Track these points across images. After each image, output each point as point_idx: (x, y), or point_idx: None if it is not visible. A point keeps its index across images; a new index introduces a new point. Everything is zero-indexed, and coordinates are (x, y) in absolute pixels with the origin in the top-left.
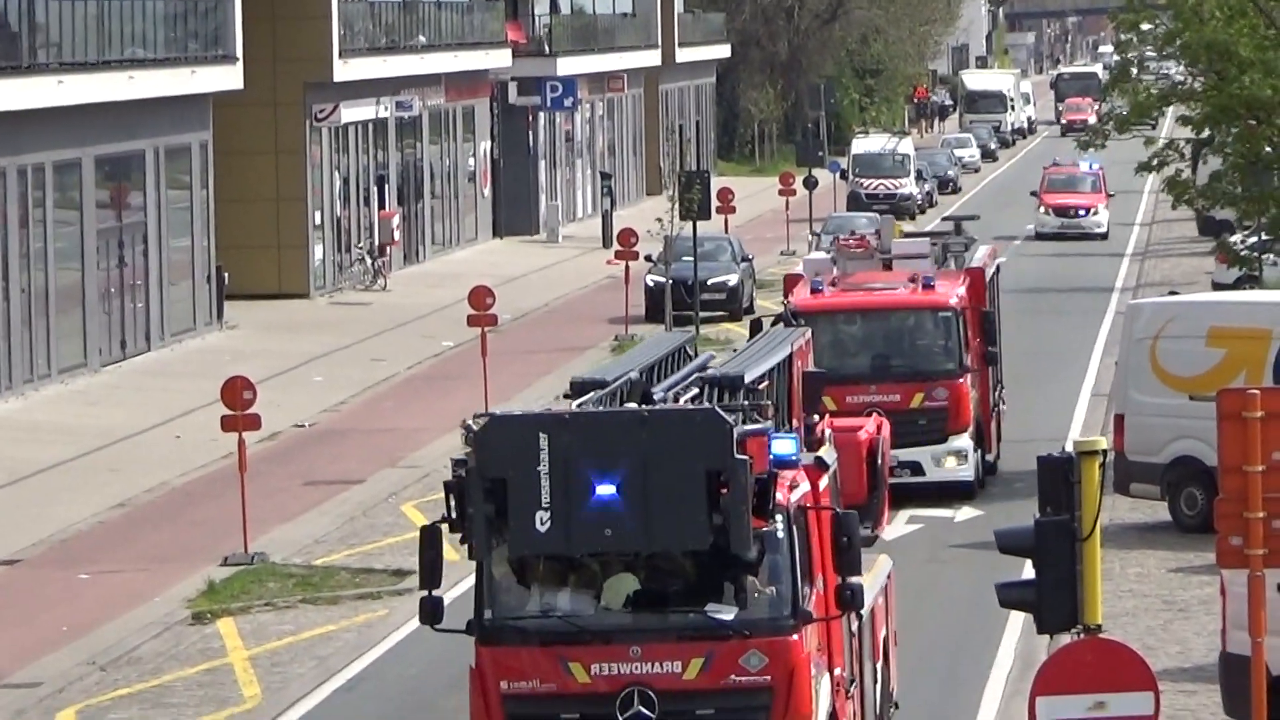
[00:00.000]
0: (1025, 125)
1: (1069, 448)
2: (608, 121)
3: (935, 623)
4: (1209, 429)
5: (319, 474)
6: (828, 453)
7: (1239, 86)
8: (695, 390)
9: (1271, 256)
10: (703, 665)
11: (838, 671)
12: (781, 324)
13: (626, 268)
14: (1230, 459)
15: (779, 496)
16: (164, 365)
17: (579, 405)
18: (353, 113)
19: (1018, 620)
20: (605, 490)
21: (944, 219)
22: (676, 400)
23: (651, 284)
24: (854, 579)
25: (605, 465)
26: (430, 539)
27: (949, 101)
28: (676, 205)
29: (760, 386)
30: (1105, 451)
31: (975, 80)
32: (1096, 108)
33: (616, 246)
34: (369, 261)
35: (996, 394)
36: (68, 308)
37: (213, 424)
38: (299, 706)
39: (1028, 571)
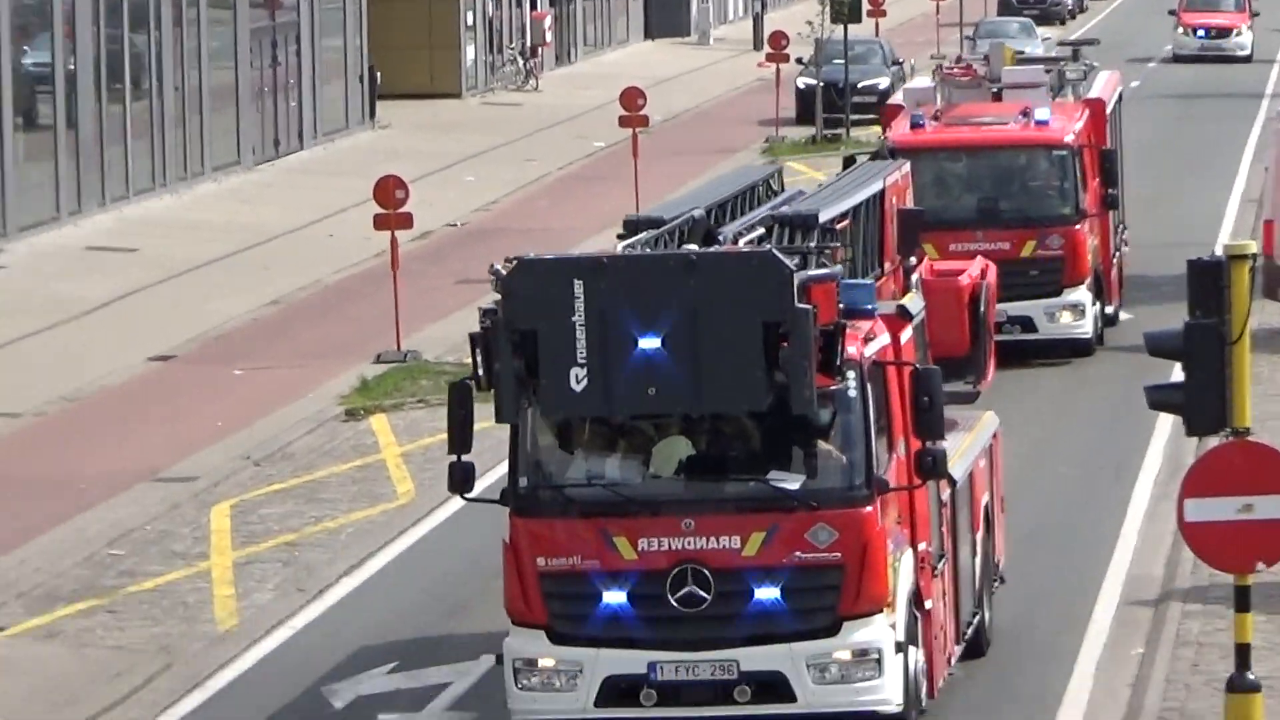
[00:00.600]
0: None
1: (1219, 251)
2: None
3: (1084, 425)
4: None
5: (471, 273)
6: (913, 301)
7: None
8: (762, 230)
9: None
10: (764, 540)
11: (922, 547)
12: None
13: (778, 70)
14: None
15: (850, 350)
16: (316, 164)
17: (628, 246)
18: None
19: (1166, 422)
20: (649, 344)
21: (1061, 43)
22: (737, 241)
23: (802, 86)
24: (937, 443)
25: (649, 316)
26: (460, 398)
27: None
28: (827, 8)
29: (839, 226)
30: (1255, 256)
31: None
32: None
33: (767, 49)
34: (521, 62)
35: (1118, 238)
36: (221, 106)
37: (365, 222)
38: (452, 503)
39: (1176, 374)
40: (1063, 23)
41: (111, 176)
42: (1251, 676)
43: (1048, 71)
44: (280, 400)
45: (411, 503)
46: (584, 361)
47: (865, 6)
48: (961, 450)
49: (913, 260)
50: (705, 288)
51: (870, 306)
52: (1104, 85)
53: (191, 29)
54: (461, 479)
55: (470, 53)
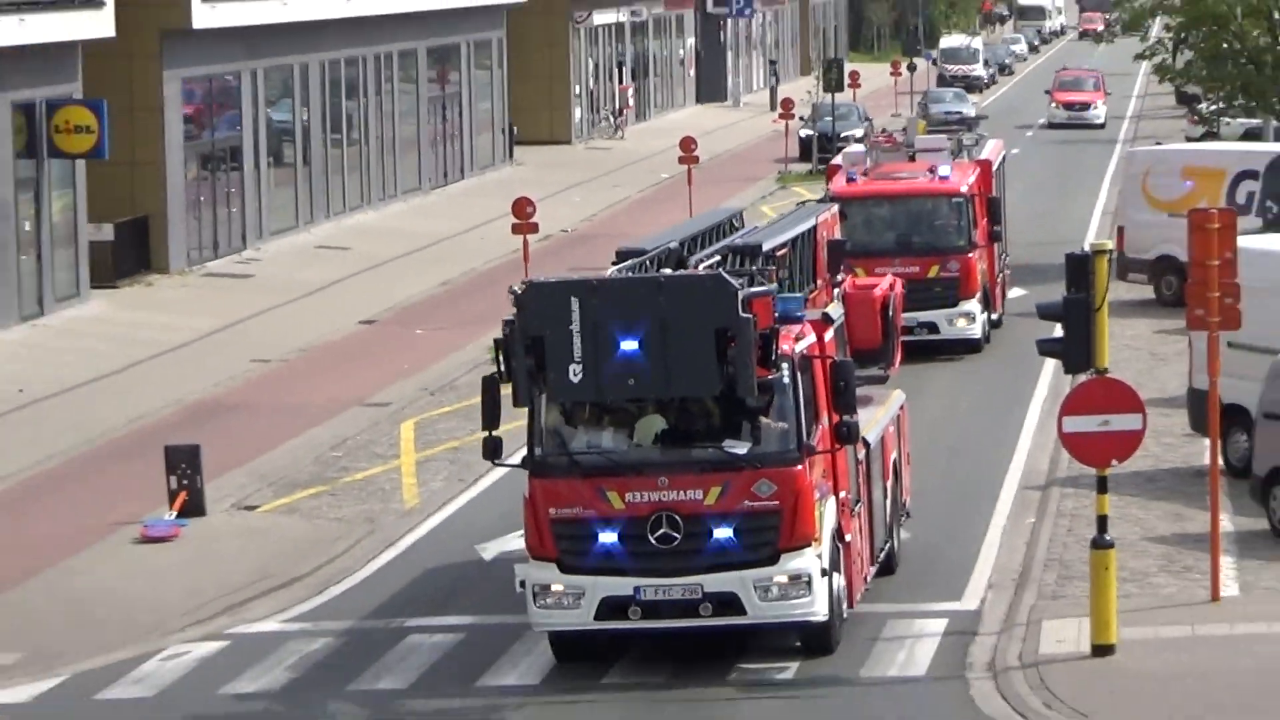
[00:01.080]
0: (1059, 29)
1: (1087, 248)
2: (774, 25)
3: (990, 378)
4: (1182, 236)
5: (579, 264)
6: (834, 309)
7: (1204, 5)
8: (719, 258)
9: (1225, 119)
10: (720, 492)
11: (843, 494)
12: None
13: (786, 125)
14: (1197, 256)
15: (784, 348)
16: (472, 189)
17: (618, 269)
18: (601, 18)
19: (1050, 366)
20: (628, 346)
21: (955, 123)
22: (698, 267)
23: (803, 136)
24: (850, 417)
25: (628, 324)
26: (489, 387)
27: (1006, 12)
28: (820, 82)
29: (780, 253)
30: (1111, 251)
31: None
32: (1105, 19)
33: (779, 110)
34: (611, 119)
35: (1002, 263)
36: (408, 150)
37: (504, 230)
38: None
39: (1057, 331)
40: (980, 92)
41: (333, 198)
42: (1108, 537)
43: (949, 139)
44: (448, 350)
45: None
46: (580, 359)
47: (846, 81)
48: (875, 419)
49: (839, 278)
50: (671, 303)
51: (800, 314)
52: (991, 150)
53: (388, 96)
54: (492, 449)
55: (577, 113)
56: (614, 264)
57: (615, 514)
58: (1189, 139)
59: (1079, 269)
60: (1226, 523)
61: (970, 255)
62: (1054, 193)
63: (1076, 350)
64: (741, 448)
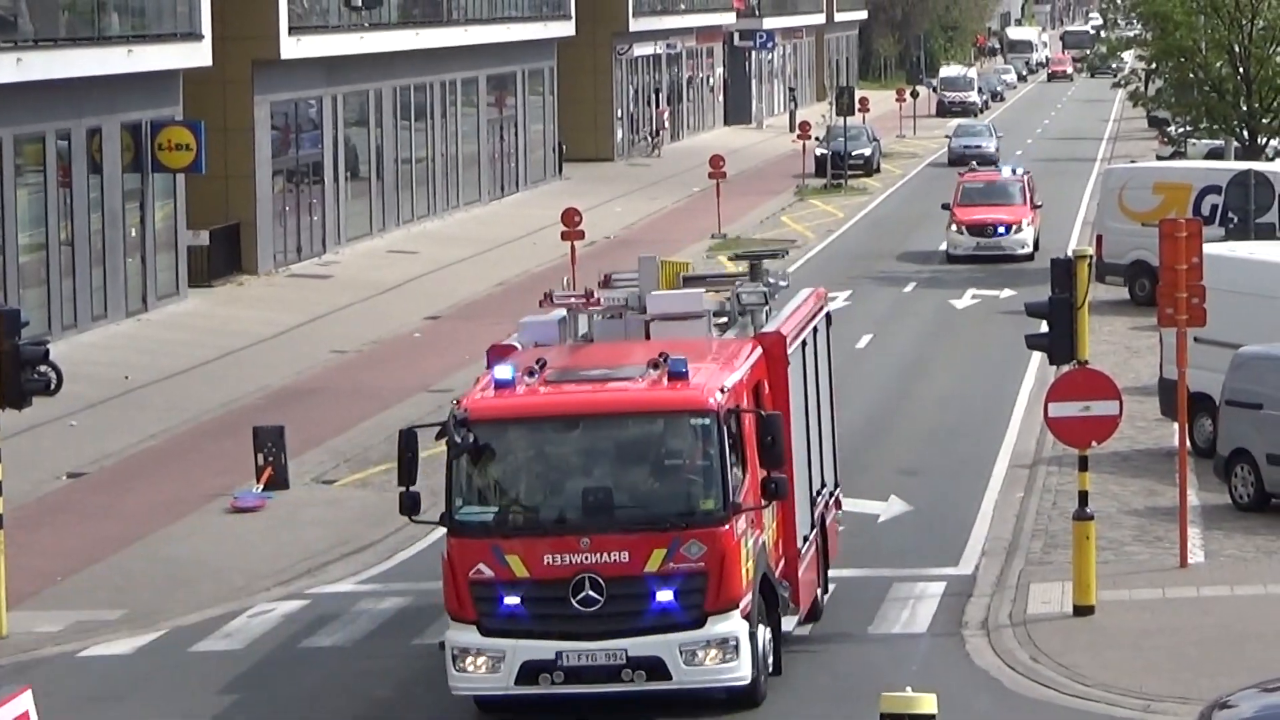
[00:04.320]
0: (1043, 61)
1: (1069, 253)
2: (793, 57)
3: (984, 369)
4: (1154, 243)
5: (619, 265)
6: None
7: (1173, 39)
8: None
9: (1191, 140)
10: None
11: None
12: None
13: (803, 145)
14: (1168, 261)
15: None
16: (526, 200)
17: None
18: (641, 50)
19: (1036, 358)
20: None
21: (739, 256)
22: None
23: (819, 154)
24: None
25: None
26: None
27: (997, 46)
28: (833, 107)
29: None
30: (1090, 256)
31: (1014, 33)
32: (1075, 62)
33: (798, 131)
34: (649, 139)
35: (816, 514)
36: (469, 165)
37: (554, 236)
38: None
39: (1044, 327)
40: (976, 115)
41: (402, 208)
42: (1088, 510)
43: (720, 291)
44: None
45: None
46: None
47: (857, 106)
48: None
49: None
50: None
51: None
52: (793, 312)
53: (451, 118)
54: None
55: (619, 133)
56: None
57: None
58: (1159, 158)
59: (1063, 272)
60: (1193, 498)
61: (726, 528)
62: (1041, 206)
63: (1061, 344)
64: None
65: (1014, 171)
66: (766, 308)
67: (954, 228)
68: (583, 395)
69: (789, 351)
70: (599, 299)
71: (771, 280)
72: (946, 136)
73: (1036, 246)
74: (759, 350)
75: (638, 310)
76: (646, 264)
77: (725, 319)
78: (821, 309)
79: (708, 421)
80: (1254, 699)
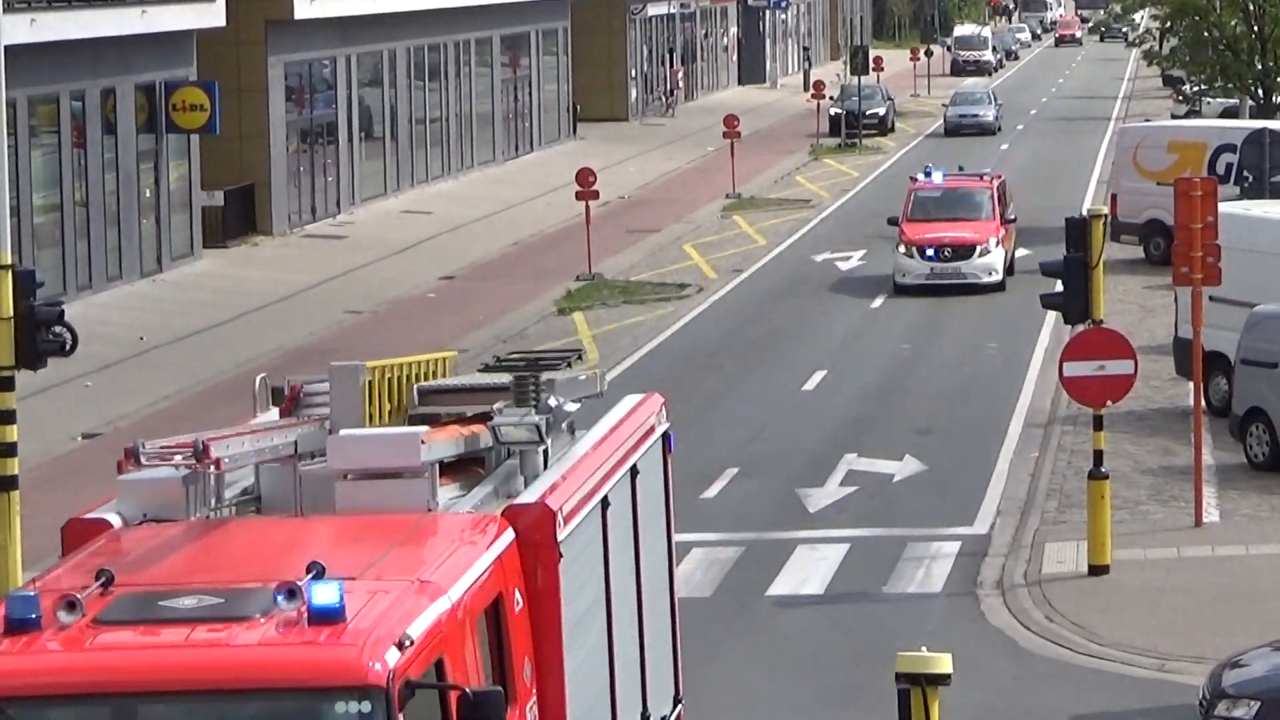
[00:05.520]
0: (1057, 20)
1: (1084, 212)
2: (807, 16)
3: (998, 328)
4: (1169, 202)
5: (634, 225)
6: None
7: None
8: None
9: (1206, 99)
10: None
11: None
12: None
13: (818, 104)
14: (1183, 220)
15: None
16: (540, 160)
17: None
18: (654, 9)
19: (1051, 317)
20: None
21: (502, 365)
22: None
23: (833, 113)
24: None
25: None
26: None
27: (1012, 4)
28: (848, 66)
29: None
30: (1105, 216)
31: None
32: (1083, 25)
33: (812, 91)
34: (664, 99)
35: None
36: (484, 126)
37: (569, 197)
38: (623, 364)
39: (1058, 287)
40: (990, 74)
41: (416, 168)
42: (1103, 470)
43: (467, 423)
44: (519, 302)
45: (597, 364)
46: None
47: (871, 65)
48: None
49: None
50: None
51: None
52: (584, 459)
53: (465, 79)
54: None
55: (633, 93)
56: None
57: None
58: (1174, 116)
59: (1078, 231)
60: (1208, 457)
61: None
62: (1055, 165)
63: (1075, 303)
64: None
65: (981, 176)
66: (543, 447)
67: (902, 248)
68: (149, 653)
69: (563, 534)
70: (215, 455)
71: (557, 402)
72: (943, 105)
73: (1011, 271)
74: (507, 536)
75: (311, 459)
76: (342, 376)
77: (479, 470)
78: (652, 431)
79: (367, 708)
80: (1266, 658)
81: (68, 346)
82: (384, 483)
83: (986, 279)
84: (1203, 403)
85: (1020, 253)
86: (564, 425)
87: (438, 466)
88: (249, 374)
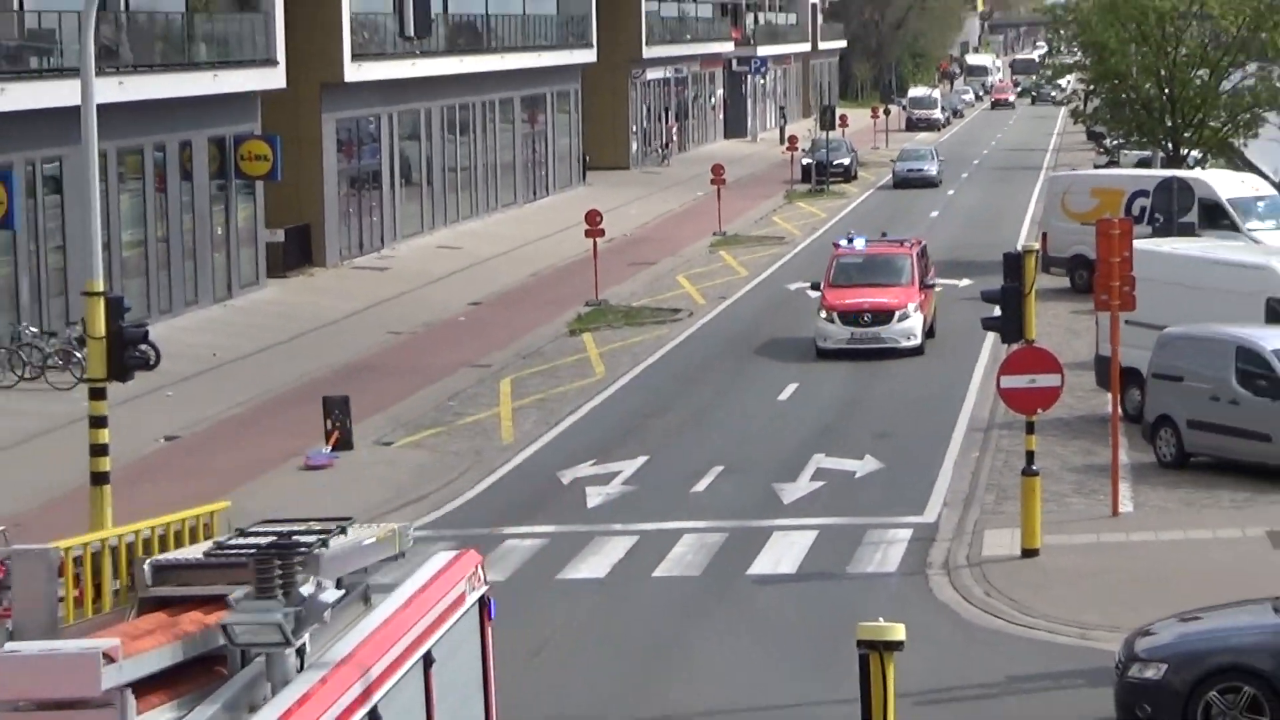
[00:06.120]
0: (996, 83)
1: (1019, 248)
2: (783, 80)
3: (951, 341)
4: (1091, 239)
5: (634, 259)
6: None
7: (1109, 64)
8: None
9: (1123, 151)
10: None
11: None
12: None
13: (792, 155)
14: (1103, 255)
15: None
16: (554, 203)
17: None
18: (652, 74)
19: (991, 338)
20: None
21: (243, 533)
22: None
23: (805, 163)
24: None
25: None
26: None
27: (958, 71)
28: (817, 123)
29: None
30: (1037, 251)
31: (972, 59)
32: (1015, 91)
33: (786, 144)
34: (660, 150)
35: None
36: (506, 173)
37: (579, 234)
38: (625, 376)
39: (997, 311)
40: (939, 130)
41: (449, 210)
42: (1034, 468)
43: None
44: (536, 324)
45: (603, 376)
46: None
47: (838, 122)
48: None
49: None
50: None
51: None
52: (356, 653)
53: (491, 133)
54: None
55: (634, 145)
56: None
57: None
58: (1096, 166)
59: (1013, 264)
60: (1124, 457)
61: None
62: (995, 208)
63: (1011, 326)
64: None
65: (902, 242)
66: (291, 651)
67: (823, 314)
68: None
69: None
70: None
71: (314, 589)
72: (892, 161)
73: (932, 334)
74: None
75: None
76: (26, 564)
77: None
78: (463, 600)
79: None
80: (1171, 627)
81: (151, 362)
82: (63, 716)
83: (905, 343)
84: (1119, 411)
85: (963, 282)
86: (359, 594)
87: (130, 692)
88: (307, 386)
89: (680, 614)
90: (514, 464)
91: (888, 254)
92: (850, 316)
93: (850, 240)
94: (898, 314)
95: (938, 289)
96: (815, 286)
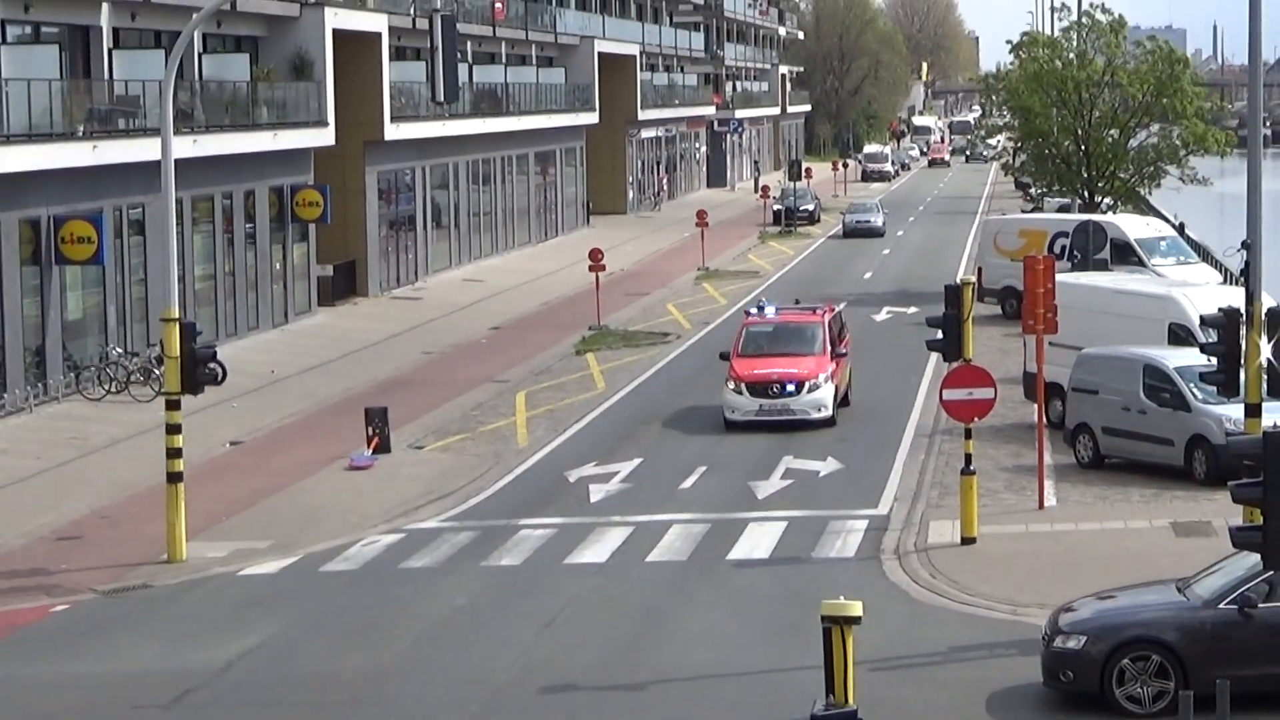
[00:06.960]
0: (934, 143)
1: (958, 280)
2: (757, 138)
3: (895, 365)
4: (1019, 273)
5: (632, 290)
6: None
7: (1034, 125)
8: None
9: (1046, 199)
10: None
11: None
12: None
13: (765, 202)
14: (1029, 286)
15: None
16: (561, 244)
17: None
18: (646, 133)
19: (934, 358)
20: None
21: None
22: None
23: (776, 209)
24: None
25: None
26: None
27: (905, 130)
28: (786, 174)
29: None
30: (973, 283)
31: (918, 120)
32: (949, 148)
33: (760, 192)
34: (653, 198)
35: None
36: (522, 217)
37: (583, 269)
38: (622, 390)
39: (939, 335)
40: (889, 181)
41: (473, 248)
42: (971, 468)
43: None
44: (546, 345)
45: (603, 390)
46: None
47: (804, 173)
48: None
49: None
50: None
51: None
52: None
53: (508, 186)
54: None
55: (631, 193)
56: None
57: None
58: (1023, 211)
59: (953, 295)
60: (1049, 458)
61: None
62: (937, 246)
63: (952, 347)
64: None
65: (814, 310)
66: None
67: (731, 385)
68: None
69: None
70: None
71: None
72: (841, 214)
73: (846, 402)
74: None
75: None
76: None
77: None
78: None
79: None
80: (1090, 604)
81: (219, 378)
82: None
83: (815, 415)
84: (1044, 419)
85: (911, 310)
86: None
87: None
88: (351, 398)
89: (669, 592)
90: (528, 465)
91: (799, 322)
92: (758, 388)
93: (761, 308)
94: (808, 384)
95: (848, 356)
96: (724, 356)
